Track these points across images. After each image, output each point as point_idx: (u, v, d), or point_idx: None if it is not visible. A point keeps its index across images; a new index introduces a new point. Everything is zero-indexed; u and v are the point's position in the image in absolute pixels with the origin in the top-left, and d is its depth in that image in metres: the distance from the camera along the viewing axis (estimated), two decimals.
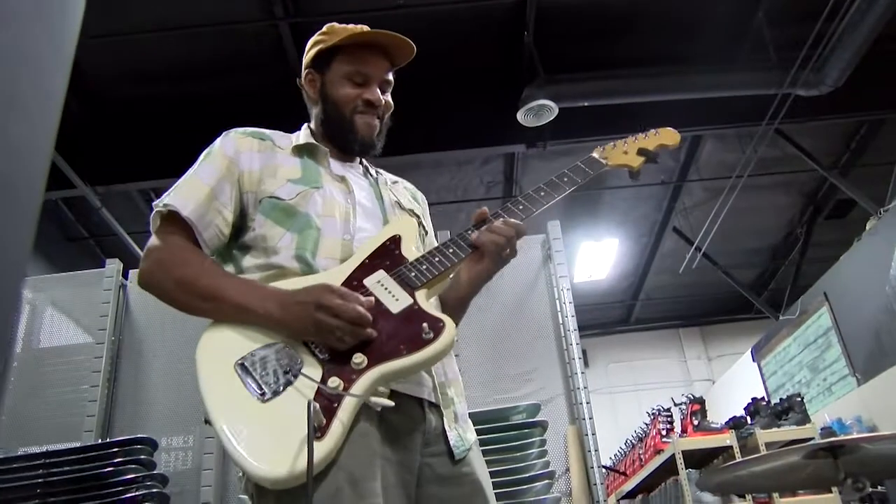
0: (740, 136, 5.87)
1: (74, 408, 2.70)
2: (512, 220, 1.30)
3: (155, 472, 2.37)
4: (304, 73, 1.50)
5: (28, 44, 0.40)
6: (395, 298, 1.20)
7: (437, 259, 1.26)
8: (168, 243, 1.28)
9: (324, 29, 1.49)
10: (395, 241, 1.31)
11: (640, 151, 1.48)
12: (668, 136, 1.51)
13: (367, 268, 1.26)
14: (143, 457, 2.34)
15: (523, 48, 4.86)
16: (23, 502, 2.21)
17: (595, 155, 1.47)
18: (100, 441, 2.52)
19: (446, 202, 6.42)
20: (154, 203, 1.30)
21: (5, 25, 0.39)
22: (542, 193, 1.37)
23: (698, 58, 4.98)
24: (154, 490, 2.29)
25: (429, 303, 1.22)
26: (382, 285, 1.22)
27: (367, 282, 1.23)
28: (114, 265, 2.92)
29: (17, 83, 0.39)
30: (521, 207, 1.33)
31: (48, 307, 2.93)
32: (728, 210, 6.16)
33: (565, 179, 1.39)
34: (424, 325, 1.14)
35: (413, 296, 1.20)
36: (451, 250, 1.28)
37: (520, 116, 4.81)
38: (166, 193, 1.31)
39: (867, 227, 5.51)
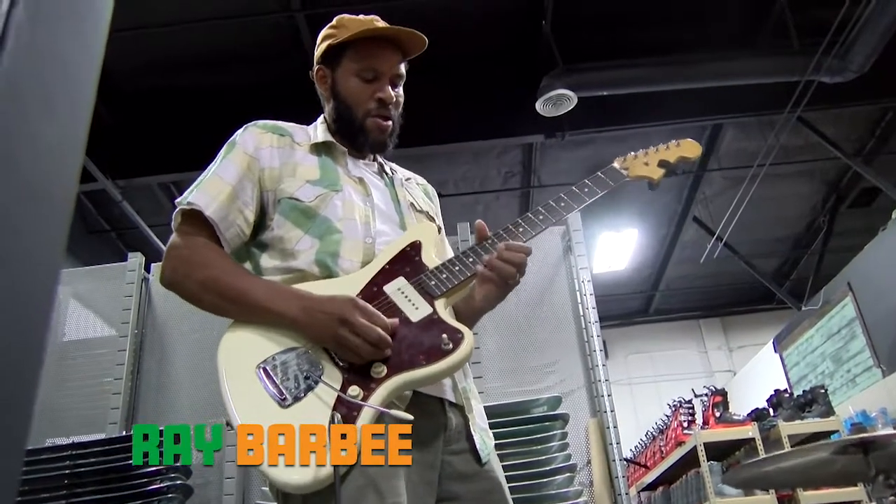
0: (762, 124, 5.78)
1: (99, 400, 2.73)
2: (519, 244, 1.26)
3: (178, 463, 2.39)
4: (315, 68, 1.49)
5: (58, 44, 0.40)
6: (414, 307, 1.20)
7: (457, 268, 1.25)
8: (191, 242, 1.27)
9: (333, 22, 1.46)
10: (415, 247, 1.30)
11: (661, 163, 1.47)
12: (689, 149, 1.49)
13: (387, 274, 1.25)
14: None
15: (541, 37, 4.82)
16: (50, 492, 2.25)
17: (616, 165, 1.46)
18: (124, 433, 2.55)
19: (464, 193, 6.40)
20: (177, 200, 1.29)
21: (36, 26, 0.38)
22: (563, 204, 1.36)
23: (719, 45, 4.91)
24: (178, 482, 2.31)
25: (447, 312, 1.22)
26: (402, 293, 1.22)
27: (388, 288, 1.23)
28: (136, 259, 2.95)
29: (49, 85, 0.39)
30: (541, 218, 1.33)
31: (72, 300, 2.97)
32: (749, 199, 6.08)
33: (586, 190, 1.38)
34: (444, 335, 1.15)
35: (433, 305, 1.20)
36: (470, 259, 1.27)
37: (538, 106, 4.77)
38: (189, 191, 1.30)
39: (893, 216, 5.41)
